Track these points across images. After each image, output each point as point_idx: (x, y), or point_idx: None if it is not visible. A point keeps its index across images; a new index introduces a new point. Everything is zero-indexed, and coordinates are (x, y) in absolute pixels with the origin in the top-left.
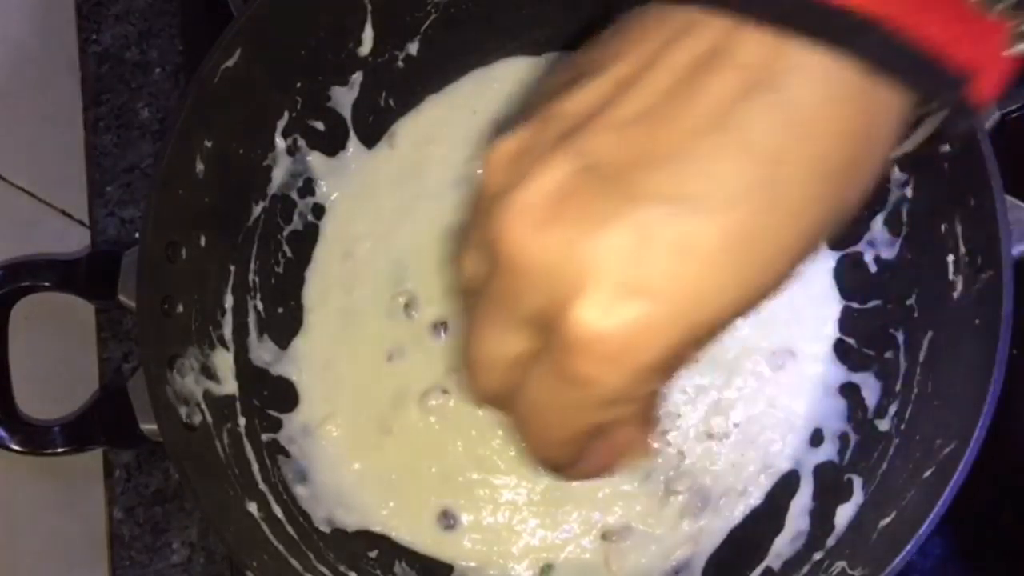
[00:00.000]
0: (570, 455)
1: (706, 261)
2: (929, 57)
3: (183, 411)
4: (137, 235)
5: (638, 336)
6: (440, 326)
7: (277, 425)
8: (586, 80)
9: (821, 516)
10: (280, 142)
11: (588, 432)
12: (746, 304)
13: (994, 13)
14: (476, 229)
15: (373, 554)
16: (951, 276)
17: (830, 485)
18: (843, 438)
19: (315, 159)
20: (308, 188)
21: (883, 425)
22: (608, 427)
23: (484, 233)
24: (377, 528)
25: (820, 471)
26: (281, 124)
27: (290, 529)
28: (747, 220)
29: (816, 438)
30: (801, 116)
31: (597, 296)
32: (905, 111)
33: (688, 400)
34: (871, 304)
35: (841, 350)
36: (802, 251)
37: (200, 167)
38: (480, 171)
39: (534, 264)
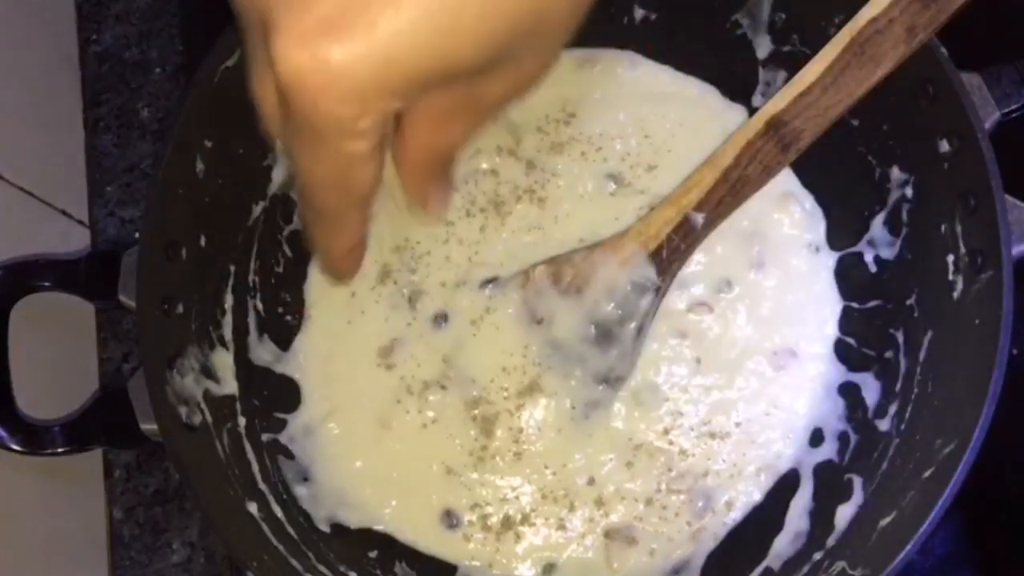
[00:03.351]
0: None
1: (402, 9)
2: None
3: (183, 411)
4: (137, 235)
5: (339, 68)
6: (441, 318)
7: (278, 425)
8: None
9: (821, 516)
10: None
11: (346, 178)
12: (450, 57)
13: None
14: None
15: (373, 554)
16: (951, 276)
17: (830, 485)
18: (843, 438)
19: None
20: None
21: (883, 425)
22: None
23: None
24: (380, 527)
25: (820, 471)
26: None
27: (290, 529)
28: None
29: (816, 438)
30: None
31: (298, 29)
32: None
33: (690, 400)
34: (871, 304)
35: (841, 350)
36: (504, 19)
37: (200, 167)
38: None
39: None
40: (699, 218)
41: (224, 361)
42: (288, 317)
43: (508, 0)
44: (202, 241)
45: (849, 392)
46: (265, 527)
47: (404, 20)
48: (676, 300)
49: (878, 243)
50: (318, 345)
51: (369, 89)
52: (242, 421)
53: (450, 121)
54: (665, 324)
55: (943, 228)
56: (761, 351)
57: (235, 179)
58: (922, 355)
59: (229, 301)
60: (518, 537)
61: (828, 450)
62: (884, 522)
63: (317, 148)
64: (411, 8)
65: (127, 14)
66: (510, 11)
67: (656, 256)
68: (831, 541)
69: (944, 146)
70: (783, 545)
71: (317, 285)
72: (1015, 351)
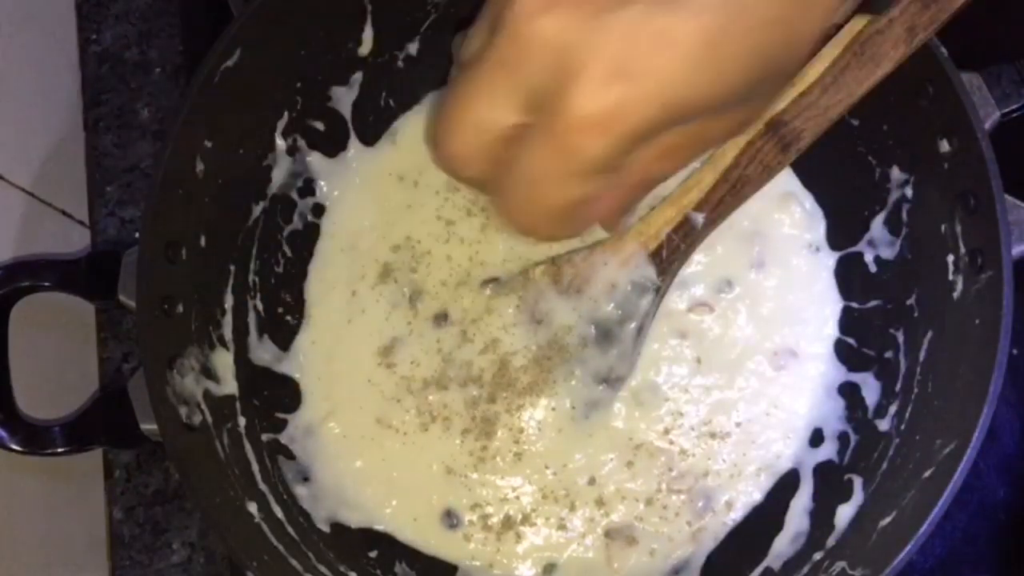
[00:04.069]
0: (555, 227)
1: (680, 53)
2: None
3: (183, 411)
4: (137, 235)
5: (622, 111)
6: (441, 317)
7: (278, 425)
8: None
9: (821, 516)
10: (280, 142)
11: (575, 203)
12: (710, 96)
13: None
14: (489, 6)
15: (373, 554)
16: (951, 276)
17: (830, 485)
18: (843, 438)
19: (315, 159)
20: (308, 188)
21: (883, 425)
22: (590, 199)
23: (496, 8)
24: (380, 527)
25: (820, 471)
26: (281, 124)
27: (290, 529)
28: (717, 24)
29: (816, 438)
30: None
31: (592, 76)
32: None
33: (691, 400)
34: (871, 304)
35: (841, 350)
36: (757, 64)
37: (200, 167)
38: None
39: (537, 38)
40: (699, 218)
41: (224, 361)
42: (288, 317)
43: (755, 53)
44: (202, 241)
45: (849, 392)
46: (265, 527)
47: (685, 65)
48: (676, 300)
49: (878, 243)
50: (318, 345)
51: (642, 127)
52: (242, 421)
53: (674, 154)
54: (665, 324)
55: (943, 228)
56: (761, 351)
57: (235, 179)
58: (922, 355)
59: (229, 301)
60: (518, 537)
61: (828, 450)
62: (884, 522)
63: (573, 181)
64: (691, 53)
65: (127, 14)
66: (757, 59)
67: (656, 256)
68: (831, 541)
69: (944, 146)
70: (783, 545)
71: (317, 285)
72: (1015, 351)
